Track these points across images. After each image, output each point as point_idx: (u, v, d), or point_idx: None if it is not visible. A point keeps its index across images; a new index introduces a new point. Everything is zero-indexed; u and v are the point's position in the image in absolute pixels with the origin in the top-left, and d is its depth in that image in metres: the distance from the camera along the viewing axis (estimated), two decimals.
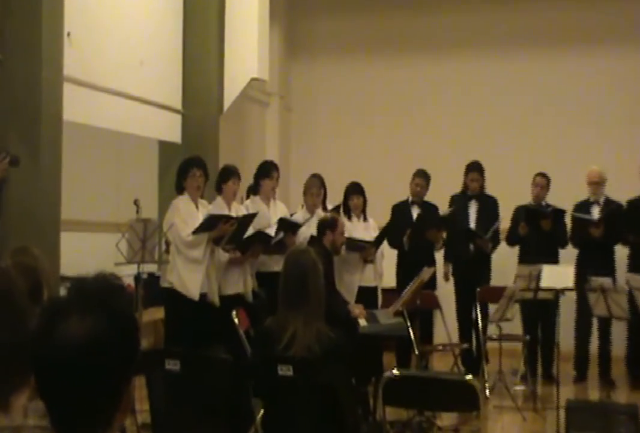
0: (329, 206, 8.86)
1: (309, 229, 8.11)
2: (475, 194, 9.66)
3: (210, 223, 7.20)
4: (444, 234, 9.45)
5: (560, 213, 9.43)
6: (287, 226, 8.04)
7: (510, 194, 9.98)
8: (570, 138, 11.57)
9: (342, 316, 6.69)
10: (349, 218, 8.70)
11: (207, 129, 10.01)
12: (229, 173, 7.78)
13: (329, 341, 4.45)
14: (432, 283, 9.00)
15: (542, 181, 9.77)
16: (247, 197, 8.98)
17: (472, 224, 9.61)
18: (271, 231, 7.90)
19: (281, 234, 7.87)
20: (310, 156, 12.38)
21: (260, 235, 7.74)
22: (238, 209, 7.94)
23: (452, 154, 11.44)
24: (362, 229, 8.60)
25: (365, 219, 8.74)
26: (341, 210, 8.86)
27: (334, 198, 9.13)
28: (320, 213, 8.45)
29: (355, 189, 8.71)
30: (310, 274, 4.48)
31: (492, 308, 8.73)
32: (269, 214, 8.19)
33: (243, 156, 11.10)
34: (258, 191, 8.39)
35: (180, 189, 7.52)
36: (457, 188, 9.92)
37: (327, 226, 7.57)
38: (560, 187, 10.05)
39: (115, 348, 1.78)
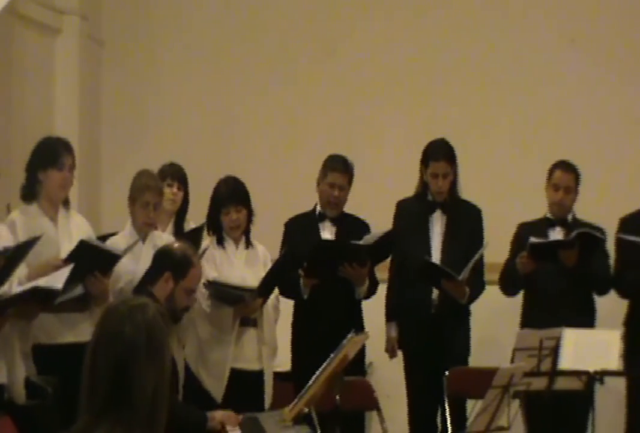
0: (190, 225, 7.11)
1: (138, 265, 6.29)
2: (442, 201, 7.46)
3: None
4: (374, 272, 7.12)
5: (593, 238, 7.21)
6: (93, 257, 6.09)
7: (506, 200, 8.12)
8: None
9: (196, 428, 5.58)
10: (221, 243, 6.72)
11: None
12: None
13: None
14: (361, 362, 6.94)
15: (567, 180, 7.43)
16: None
17: (436, 254, 7.39)
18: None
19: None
20: (141, 128, 9.44)
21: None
22: None
23: (403, 127, 8.66)
24: (244, 265, 6.73)
25: (249, 245, 6.77)
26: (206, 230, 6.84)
27: (195, 209, 7.08)
28: (163, 238, 6.54)
29: (232, 193, 6.67)
30: (141, 352, 3.18)
31: (471, 405, 6.61)
32: (56, 235, 6.25)
33: (7, 130, 8.62)
34: (35, 193, 6.29)
35: None
36: (406, 190, 7.48)
37: (173, 266, 5.73)
38: (599, 189, 7.90)
39: None
